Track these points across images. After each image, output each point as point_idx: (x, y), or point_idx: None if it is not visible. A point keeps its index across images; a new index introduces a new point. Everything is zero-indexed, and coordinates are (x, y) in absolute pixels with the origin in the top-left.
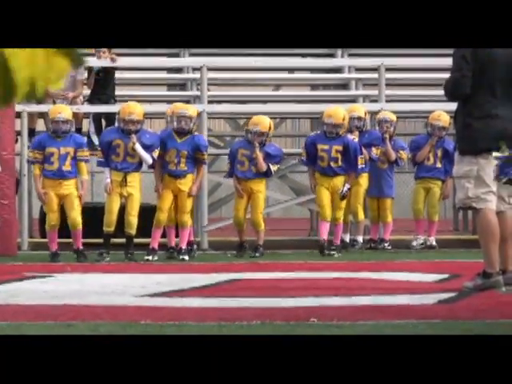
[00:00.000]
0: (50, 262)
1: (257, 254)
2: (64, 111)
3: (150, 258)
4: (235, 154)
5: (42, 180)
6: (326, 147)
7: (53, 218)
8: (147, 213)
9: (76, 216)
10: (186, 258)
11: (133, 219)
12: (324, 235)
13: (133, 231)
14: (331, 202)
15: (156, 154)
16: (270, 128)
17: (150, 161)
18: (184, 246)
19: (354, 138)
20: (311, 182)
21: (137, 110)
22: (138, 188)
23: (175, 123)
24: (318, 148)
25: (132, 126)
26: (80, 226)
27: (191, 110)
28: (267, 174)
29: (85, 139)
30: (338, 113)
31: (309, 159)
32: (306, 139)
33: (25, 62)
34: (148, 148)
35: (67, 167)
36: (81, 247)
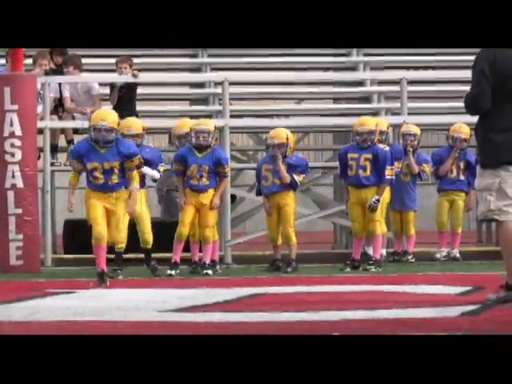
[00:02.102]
0: (99, 282)
1: (289, 269)
2: (107, 117)
3: (173, 272)
4: (260, 170)
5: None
6: (355, 156)
7: (99, 231)
8: (159, 228)
9: (118, 235)
10: (210, 272)
11: (148, 237)
12: (356, 253)
13: (149, 246)
14: (364, 216)
15: (162, 169)
16: (287, 139)
17: (157, 175)
18: (208, 261)
19: (385, 147)
20: (345, 197)
21: (135, 125)
22: (145, 204)
23: (193, 139)
24: (348, 158)
25: (131, 139)
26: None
27: (210, 124)
28: (292, 185)
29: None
30: (370, 120)
31: (342, 172)
32: (338, 152)
33: None
34: (150, 163)
35: (114, 181)
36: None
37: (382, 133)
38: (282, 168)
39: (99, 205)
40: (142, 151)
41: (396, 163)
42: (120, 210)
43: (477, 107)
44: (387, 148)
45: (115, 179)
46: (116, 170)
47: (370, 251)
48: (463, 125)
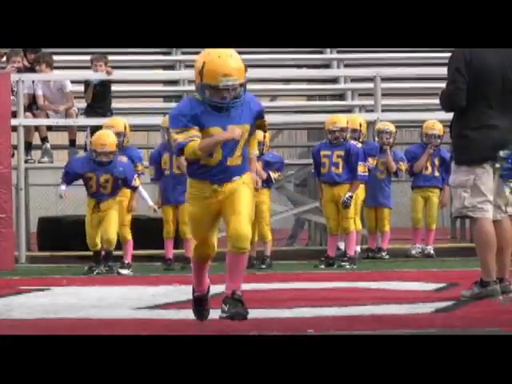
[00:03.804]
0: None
1: (263, 266)
2: (236, 72)
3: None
4: None
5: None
6: (328, 153)
7: (208, 249)
8: (143, 225)
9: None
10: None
11: (112, 236)
12: (331, 250)
13: (112, 248)
14: (338, 213)
15: (137, 183)
16: (264, 137)
17: (151, 203)
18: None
19: (357, 144)
20: (319, 195)
21: (109, 140)
22: (115, 211)
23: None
24: (321, 155)
25: (105, 157)
26: None
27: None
28: (268, 183)
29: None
30: (342, 118)
31: (316, 170)
32: (312, 150)
33: None
34: (127, 179)
35: (236, 160)
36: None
37: (354, 131)
38: (258, 166)
39: (207, 213)
40: (117, 168)
41: (370, 160)
42: (247, 203)
43: (452, 104)
44: (360, 145)
45: (238, 158)
46: (241, 142)
47: (342, 246)
48: (436, 121)
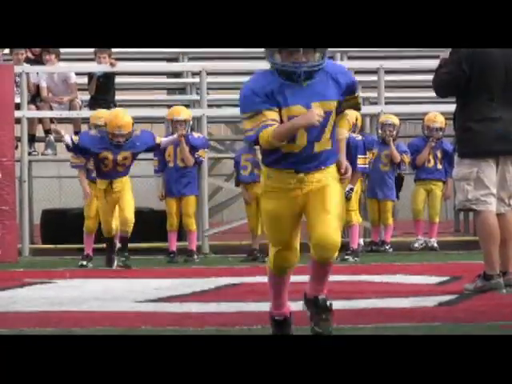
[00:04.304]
0: None
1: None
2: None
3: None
4: (239, 160)
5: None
6: None
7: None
8: (146, 217)
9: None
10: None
11: (131, 215)
12: None
13: (129, 229)
14: None
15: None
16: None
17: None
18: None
19: (357, 136)
20: None
21: (125, 120)
22: (129, 190)
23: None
24: None
25: (122, 138)
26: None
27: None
28: None
29: None
30: None
31: None
32: None
33: None
34: (149, 148)
35: (325, 145)
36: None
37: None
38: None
39: (290, 207)
40: (135, 147)
41: (368, 153)
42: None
43: (445, 93)
44: (360, 137)
45: (327, 142)
46: (330, 123)
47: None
48: (438, 114)
